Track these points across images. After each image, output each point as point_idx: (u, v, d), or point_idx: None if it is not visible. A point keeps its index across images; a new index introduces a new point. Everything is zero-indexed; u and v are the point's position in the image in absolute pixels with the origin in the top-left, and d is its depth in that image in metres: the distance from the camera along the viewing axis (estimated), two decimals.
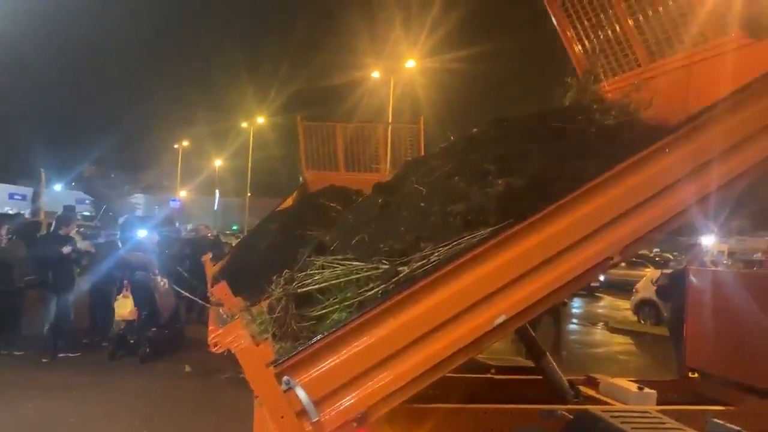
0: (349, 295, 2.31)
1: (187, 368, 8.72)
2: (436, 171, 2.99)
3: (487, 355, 4.34)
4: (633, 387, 3.78)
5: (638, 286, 16.40)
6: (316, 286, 2.40)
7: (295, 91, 42.35)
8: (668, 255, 27.08)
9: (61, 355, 8.87)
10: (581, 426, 2.86)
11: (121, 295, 9.47)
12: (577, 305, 18.87)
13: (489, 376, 4.12)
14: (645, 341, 13.70)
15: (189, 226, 23.03)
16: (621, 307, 19.19)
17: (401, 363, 2.04)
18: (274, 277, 2.50)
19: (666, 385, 4.31)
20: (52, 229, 10.01)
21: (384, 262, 2.34)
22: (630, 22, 3.28)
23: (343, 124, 6.90)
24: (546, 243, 2.16)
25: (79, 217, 17.68)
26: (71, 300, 9.23)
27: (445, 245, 2.25)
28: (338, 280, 2.40)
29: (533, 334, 3.86)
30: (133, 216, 20.17)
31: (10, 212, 23.10)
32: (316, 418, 1.96)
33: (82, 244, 9.75)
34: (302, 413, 1.96)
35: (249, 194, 47.93)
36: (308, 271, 2.53)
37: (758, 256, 22.52)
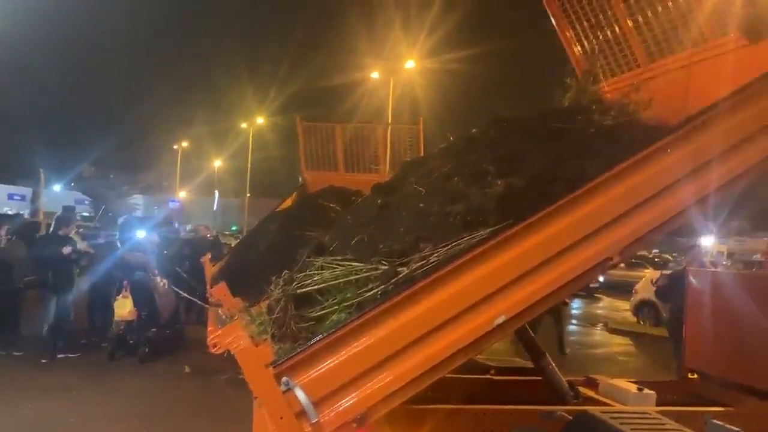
0: (348, 295, 2.30)
1: (187, 369, 8.71)
2: (435, 171, 2.99)
3: (486, 355, 4.35)
4: (632, 388, 3.78)
5: (638, 287, 16.41)
6: (316, 287, 2.39)
7: (295, 92, 42.43)
8: (667, 256, 27.08)
9: (61, 355, 8.87)
10: (580, 427, 2.86)
11: (121, 295, 9.44)
12: (576, 306, 18.86)
13: (488, 377, 4.12)
14: (644, 342, 13.71)
15: (188, 227, 23.03)
16: (620, 308, 19.19)
17: (401, 364, 2.03)
18: (274, 278, 2.50)
19: (665, 386, 4.31)
20: (51, 229, 10.00)
21: (383, 262, 2.33)
22: (629, 22, 3.28)
23: (342, 125, 6.86)
24: (545, 243, 2.16)
25: (78, 218, 17.69)
26: (71, 300, 9.24)
27: (445, 246, 2.25)
28: (337, 281, 2.39)
29: (533, 334, 3.86)
30: (132, 216, 20.10)
31: (10, 212, 23.06)
32: (316, 419, 1.95)
33: (81, 245, 9.75)
34: (301, 414, 1.96)
35: (248, 195, 47.83)
36: (307, 272, 2.52)
37: (757, 257, 22.61)
